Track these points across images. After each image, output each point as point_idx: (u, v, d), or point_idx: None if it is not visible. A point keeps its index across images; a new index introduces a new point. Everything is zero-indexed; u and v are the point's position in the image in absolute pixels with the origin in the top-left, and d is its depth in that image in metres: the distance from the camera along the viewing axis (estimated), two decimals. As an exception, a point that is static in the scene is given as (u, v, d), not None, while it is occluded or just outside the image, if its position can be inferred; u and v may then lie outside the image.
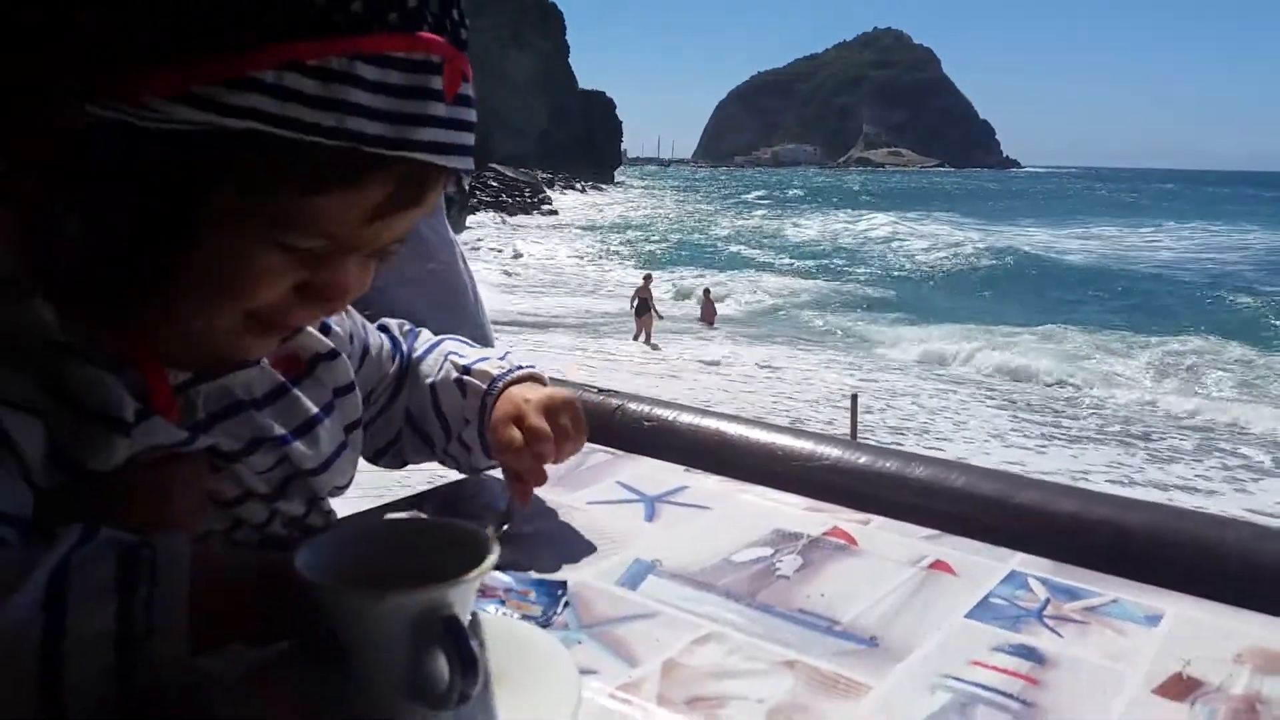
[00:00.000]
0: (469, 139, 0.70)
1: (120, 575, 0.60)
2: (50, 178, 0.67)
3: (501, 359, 1.04)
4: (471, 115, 0.70)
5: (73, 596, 0.58)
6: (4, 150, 0.67)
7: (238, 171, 0.63)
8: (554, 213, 50.67)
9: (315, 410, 0.87)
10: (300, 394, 0.86)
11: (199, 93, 0.60)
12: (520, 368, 1.03)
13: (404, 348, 1.06)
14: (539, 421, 0.95)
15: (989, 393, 14.40)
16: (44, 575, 0.58)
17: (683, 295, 22.02)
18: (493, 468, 1.05)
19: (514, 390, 1.00)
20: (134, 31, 0.61)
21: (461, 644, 0.58)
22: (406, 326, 1.09)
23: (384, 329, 1.05)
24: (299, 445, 0.85)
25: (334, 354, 0.90)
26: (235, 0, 0.60)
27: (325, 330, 0.90)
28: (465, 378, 1.02)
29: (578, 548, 0.94)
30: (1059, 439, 11.72)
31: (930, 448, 10.53)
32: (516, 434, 0.95)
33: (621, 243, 35.72)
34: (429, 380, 1.04)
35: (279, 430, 0.83)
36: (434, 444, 1.05)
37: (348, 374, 0.91)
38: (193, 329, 0.73)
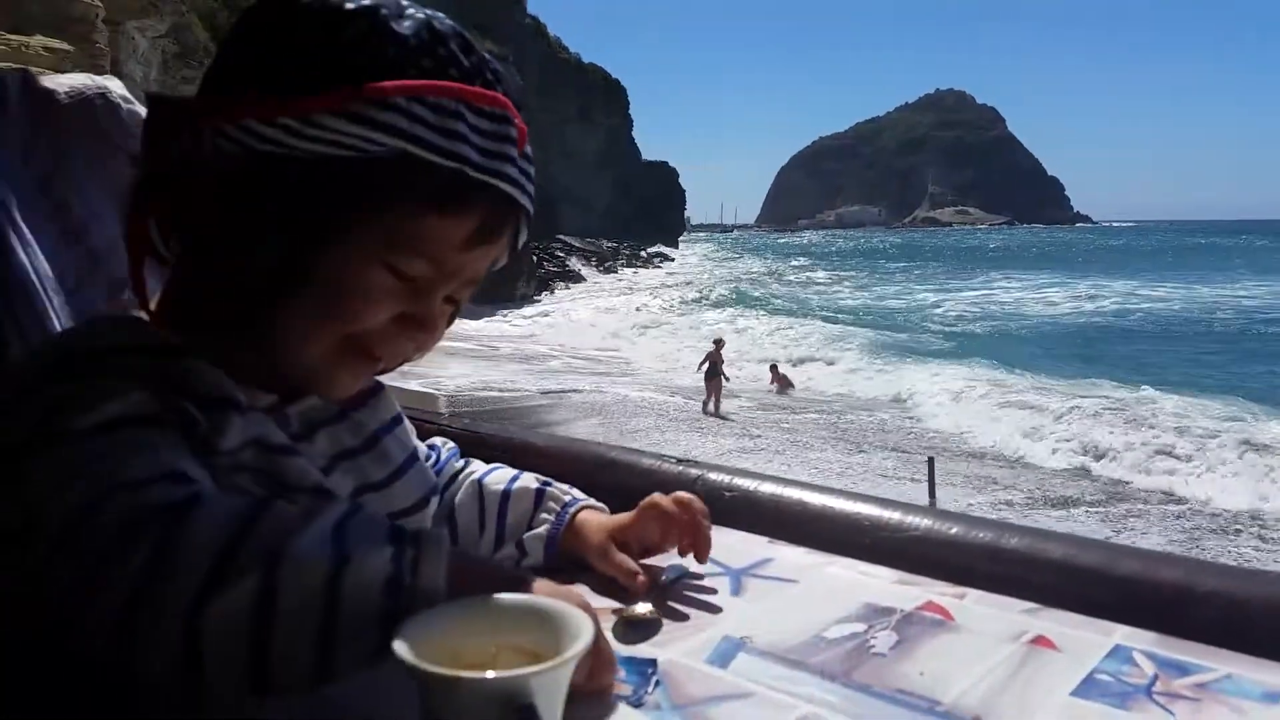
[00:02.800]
0: (533, 189, 0.85)
1: (393, 536, 0.67)
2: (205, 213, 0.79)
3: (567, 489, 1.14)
4: (533, 172, 0.85)
5: (353, 541, 0.65)
6: (168, 190, 0.80)
7: (368, 189, 0.76)
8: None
9: (375, 429, 0.95)
10: (359, 416, 0.95)
11: (354, 110, 0.74)
12: (584, 498, 1.13)
13: (442, 455, 1.17)
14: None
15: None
16: (330, 521, 0.66)
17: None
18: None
19: (589, 514, 1.10)
20: (301, 67, 0.76)
21: None
22: (450, 444, 1.19)
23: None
24: (366, 459, 0.93)
25: (380, 387, 0.98)
26: (370, 53, 0.77)
27: None
28: (546, 488, 1.12)
29: (664, 623, 0.93)
30: None
31: None
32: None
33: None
34: (500, 487, 1.12)
35: (352, 443, 0.93)
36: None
37: (393, 408, 0.99)
38: (298, 351, 0.82)
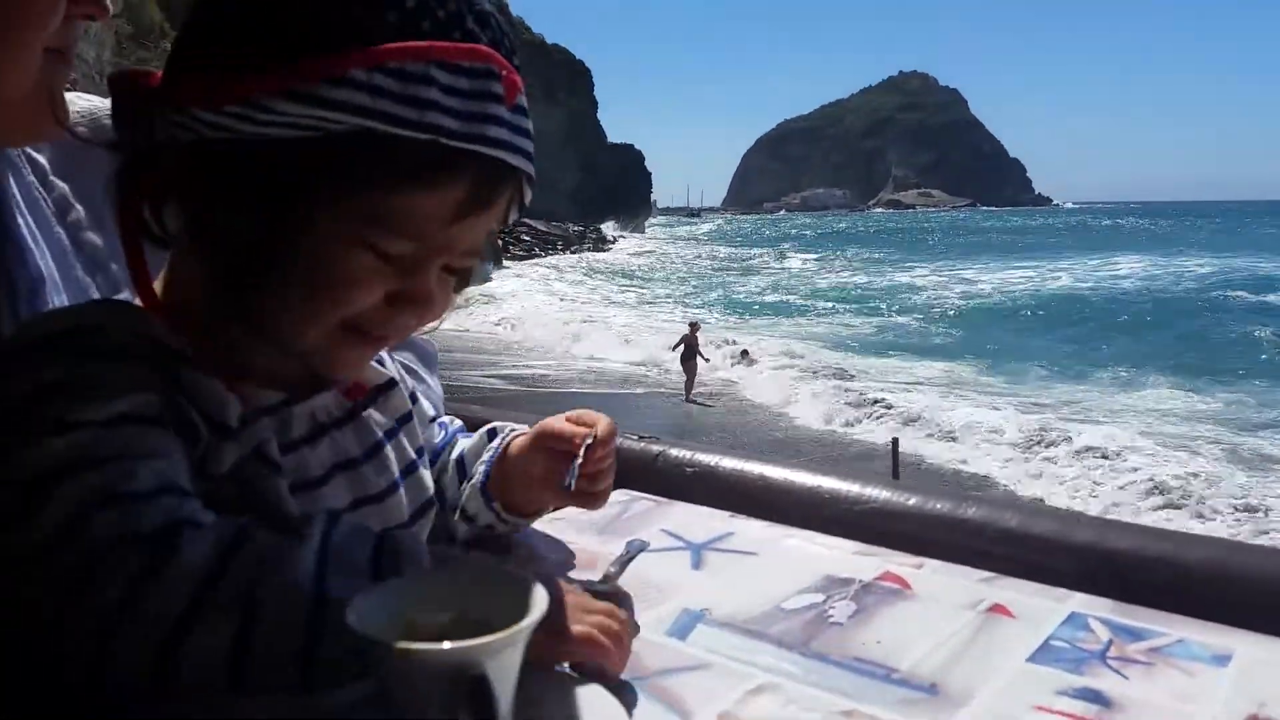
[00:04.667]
0: (529, 145, 0.77)
1: (375, 566, 0.68)
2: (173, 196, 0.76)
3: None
4: (529, 124, 0.77)
5: (335, 577, 0.65)
6: (150, 174, 0.76)
7: (335, 170, 0.70)
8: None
9: (379, 435, 0.90)
10: (368, 418, 0.90)
11: (303, 90, 0.68)
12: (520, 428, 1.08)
13: (450, 431, 1.10)
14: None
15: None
16: (312, 555, 0.65)
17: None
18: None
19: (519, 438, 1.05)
20: (246, 44, 0.70)
21: (484, 707, 0.57)
22: (458, 423, 1.13)
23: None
24: (368, 469, 0.88)
25: (392, 383, 0.94)
26: (327, 14, 0.69)
27: (380, 364, 0.94)
28: (497, 427, 1.08)
29: (624, 597, 0.93)
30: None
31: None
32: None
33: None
34: (460, 449, 1.07)
35: (355, 451, 0.87)
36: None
37: (405, 404, 0.95)
38: (293, 338, 0.77)
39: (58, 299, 0.97)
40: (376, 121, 0.68)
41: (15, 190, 0.98)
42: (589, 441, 0.96)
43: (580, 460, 0.95)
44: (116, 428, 0.66)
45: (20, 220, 0.97)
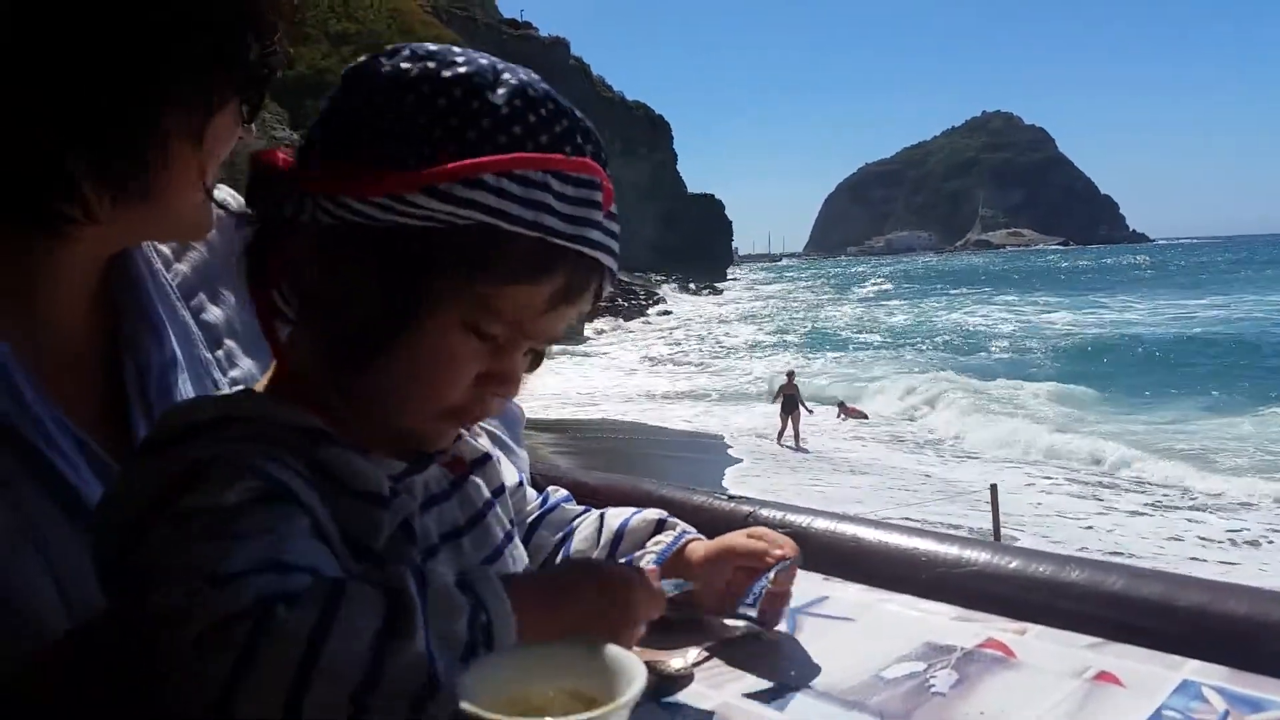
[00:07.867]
0: (618, 247, 0.86)
1: (471, 614, 0.71)
2: (304, 274, 0.82)
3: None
4: (618, 229, 0.86)
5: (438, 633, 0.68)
6: (278, 250, 0.82)
7: (457, 257, 0.77)
8: (668, 313, 51.99)
9: (480, 507, 0.95)
10: (469, 490, 0.95)
11: (442, 188, 0.75)
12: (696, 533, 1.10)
13: (551, 499, 1.15)
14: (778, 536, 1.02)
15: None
16: (422, 625, 0.68)
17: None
18: None
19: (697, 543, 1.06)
20: (392, 142, 0.77)
21: None
22: (563, 492, 1.18)
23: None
24: (468, 540, 0.92)
25: (487, 457, 0.99)
26: (465, 125, 0.78)
27: (474, 437, 0.99)
28: (666, 519, 1.10)
29: (720, 665, 0.93)
30: None
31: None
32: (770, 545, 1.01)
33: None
34: (620, 520, 1.10)
35: (458, 521, 0.92)
36: None
37: (499, 477, 1.00)
38: (392, 417, 0.84)
39: (183, 378, 1.03)
40: (499, 220, 0.76)
41: (148, 277, 1.05)
42: (783, 566, 0.98)
43: (767, 583, 0.95)
44: (226, 513, 0.70)
45: (156, 303, 1.04)
